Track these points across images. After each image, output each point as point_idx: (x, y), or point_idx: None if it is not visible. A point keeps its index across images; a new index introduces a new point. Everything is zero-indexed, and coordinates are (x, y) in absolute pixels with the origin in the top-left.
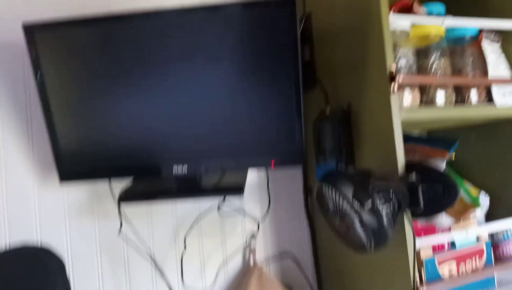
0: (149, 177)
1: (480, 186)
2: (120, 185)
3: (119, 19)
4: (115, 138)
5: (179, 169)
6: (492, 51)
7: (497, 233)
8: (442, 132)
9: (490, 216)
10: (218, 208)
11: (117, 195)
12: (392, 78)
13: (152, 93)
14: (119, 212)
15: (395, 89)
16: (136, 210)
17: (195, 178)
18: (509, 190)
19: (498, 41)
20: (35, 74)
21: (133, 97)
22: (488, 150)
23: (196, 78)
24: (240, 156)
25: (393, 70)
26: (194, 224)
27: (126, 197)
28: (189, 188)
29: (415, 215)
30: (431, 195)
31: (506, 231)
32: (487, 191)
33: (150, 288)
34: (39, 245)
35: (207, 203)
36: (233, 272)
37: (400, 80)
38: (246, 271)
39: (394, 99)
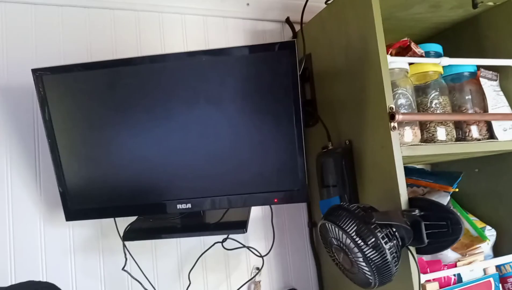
0: (153, 215)
1: (485, 220)
2: (126, 220)
3: (123, 62)
4: (120, 177)
5: (183, 208)
6: (490, 87)
7: (505, 267)
8: (445, 164)
9: (497, 249)
10: (222, 243)
11: (122, 231)
12: (392, 116)
13: (156, 134)
14: (124, 250)
15: (395, 127)
16: (141, 246)
17: (198, 216)
18: None
19: (495, 79)
20: (43, 115)
21: (138, 137)
22: (491, 184)
23: (199, 119)
24: (243, 194)
25: (393, 108)
26: (199, 259)
27: (130, 236)
28: (193, 225)
29: (419, 250)
30: (434, 231)
31: None
32: (492, 224)
33: None
34: (43, 281)
35: (211, 239)
36: None
37: (400, 118)
38: None
39: (394, 136)
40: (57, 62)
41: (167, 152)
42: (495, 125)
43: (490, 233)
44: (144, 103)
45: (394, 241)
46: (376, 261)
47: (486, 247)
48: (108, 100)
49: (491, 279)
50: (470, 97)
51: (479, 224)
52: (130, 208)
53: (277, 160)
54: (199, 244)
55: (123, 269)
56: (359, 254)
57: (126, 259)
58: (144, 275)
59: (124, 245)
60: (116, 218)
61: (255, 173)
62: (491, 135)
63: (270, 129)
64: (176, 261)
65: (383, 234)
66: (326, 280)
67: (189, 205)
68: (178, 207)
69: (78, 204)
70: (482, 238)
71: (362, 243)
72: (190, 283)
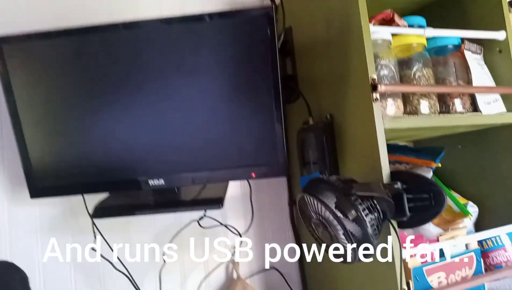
0: (124, 192)
1: (468, 196)
2: (96, 198)
3: (92, 30)
4: (88, 153)
5: (156, 183)
6: (474, 61)
7: (486, 242)
8: (428, 141)
9: (479, 225)
10: (199, 221)
11: (91, 210)
12: (374, 87)
13: (128, 106)
14: (93, 228)
15: (378, 98)
16: (112, 225)
17: (173, 192)
18: (497, 199)
19: (479, 53)
20: (3, 88)
21: (107, 110)
22: (474, 159)
23: (173, 91)
24: (219, 169)
25: (375, 79)
26: (174, 238)
27: (100, 213)
28: (167, 202)
29: (401, 224)
30: (417, 204)
31: (496, 239)
32: (474, 201)
33: None
34: (1, 260)
35: (187, 217)
36: (216, 287)
37: (382, 89)
38: (229, 285)
39: (376, 108)
40: (18, 30)
41: (138, 125)
42: (479, 98)
43: (473, 210)
44: (114, 74)
45: (375, 214)
46: (356, 234)
47: (468, 223)
48: (75, 71)
49: (473, 254)
50: (454, 70)
51: (462, 200)
52: (100, 185)
53: (255, 134)
54: (175, 223)
55: (92, 248)
56: (339, 227)
57: (95, 237)
58: (115, 255)
59: (93, 223)
60: (86, 196)
61: (232, 147)
62: (475, 109)
63: (248, 101)
64: (150, 241)
65: (363, 206)
66: (307, 259)
67: (162, 181)
68: (150, 184)
69: (44, 180)
70: (464, 214)
71: (342, 216)
72: (165, 263)
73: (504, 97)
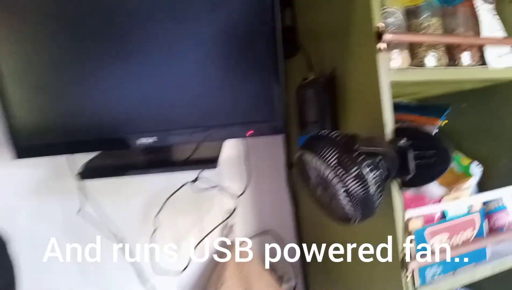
0: (114, 150)
1: (472, 156)
2: (83, 158)
3: None
4: (75, 109)
5: (146, 142)
6: (485, 11)
7: (490, 204)
8: (432, 99)
9: (483, 186)
10: (193, 183)
11: (78, 171)
12: (380, 35)
13: (115, 57)
14: (80, 189)
15: (383, 48)
16: (101, 187)
17: (165, 151)
18: (501, 159)
19: (492, 2)
20: None
21: (95, 62)
22: (479, 119)
23: (163, 40)
24: (213, 127)
25: (380, 27)
26: (167, 201)
27: (87, 174)
28: (159, 162)
29: (404, 183)
30: (421, 161)
31: (499, 201)
32: (479, 161)
33: (118, 272)
34: None
35: (181, 179)
36: (211, 252)
37: (388, 38)
38: (224, 251)
39: (381, 58)
40: None
41: (128, 79)
42: (489, 51)
43: (477, 169)
44: (100, 22)
45: (379, 171)
46: (358, 193)
47: (472, 183)
48: (58, 20)
49: (476, 215)
50: (463, 21)
51: (466, 160)
52: (87, 143)
53: (251, 89)
54: (167, 186)
55: (79, 211)
56: (340, 186)
57: (82, 201)
58: (104, 219)
59: (80, 185)
60: (73, 156)
61: (227, 102)
62: (484, 64)
63: (245, 53)
64: (141, 204)
65: (367, 162)
66: (304, 223)
67: (153, 139)
68: (141, 141)
69: (28, 139)
70: (467, 175)
71: (343, 173)
72: (157, 228)
73: None
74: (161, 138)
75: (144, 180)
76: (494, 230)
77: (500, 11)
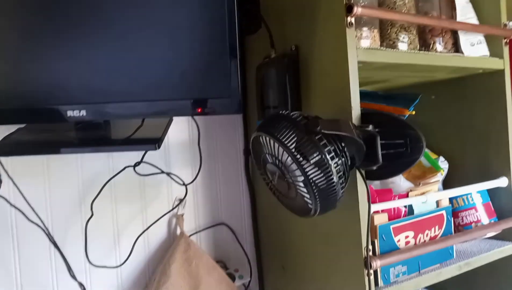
0: (39, 123)
1: (437, 151)
2: (3, 133)
3: None
4: None
5: (77, 115)
6: None
7: (457, 200)
8: (399, 90)
9: (447, 183)
10: (134, 167)
11: None
12: (349, 8)
13: (42, 14)
14: None
15: (352, 23)
16: (27, 167)
17: (100, 129)
18: (469, 155)
19: None
20: None
21: (16, 23)
22: (448, 112)
23: (107, 1)
24: (158, 100)
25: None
26: (105, 186)
27: (6, 150)
28: (92, 139)
29: (369, 175)
30: (389, 151)
31: (467, 197)
32: (445, 156)
33: (46, 264)
34: None
35: (121, 162)
36: (155, 245)
37: (358, 12)
38: (171, 243)
39: (350, 35)
40: None
41: (56, 40)
42: (463, 39)
43: (444, 166)
44: None
45: (343, 159)
46: (319, 182)
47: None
48: None
49: (444, 212)
50: (438, 4)
51: (432, 155)
52: (5, 114)
53: (202, 60)
54: (107, 169)
55: None
56: (298, 173)
57: (0, 181)
58: (27, 202)
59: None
60: None
61: (174, 73)
62: (457, 50)
63: (197, 19)
64: (75, 188)
65: (329, 148)
66: (261, 215)
67: (83, 112)
68: (69, 115)
69: None
70: (435, 169)
71: (302, 159)
72: (92, 215)
73: (488, 41)
74: (93, 111)
75: (79, 164)
76: (460, 229)
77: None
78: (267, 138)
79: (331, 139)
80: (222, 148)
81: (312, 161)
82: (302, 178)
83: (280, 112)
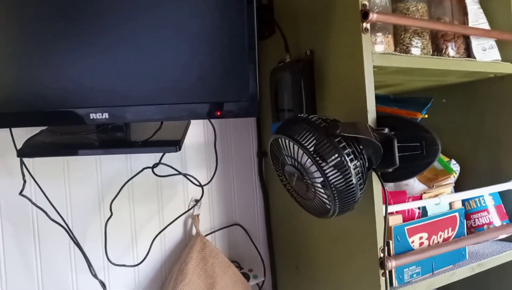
0: (62, 126)
1: (449, 154)
2: (26, 134)
3: None
4: (16, 76)
5: (99, 117)
6: (472, 2)
7: (469, 203)
8: (409, 95)
9: (459, 185)
10: (153, 169)
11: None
12: (365, 14)
13: (68, 24)
14: (22, 169)
15: (368, 28)
16: (49, 168)
17: (121, 130)
18: (479, 158)
19: None
20: None
21: (45, 30)
22: (459, 115)
23: (126, 7)
24: (177, 104)
25: (366, 5)
26: (124, 187)
27: (29, 151)
28: (113, 141)
29: (385, 177)
30: (405, 153)
31: (480, 200)
32: (456, 159)
33: (67, 262)
34: None
35: (139, 163)
36: (171, 244)
37: (374, 18)
38: (187, 243)
39: (366, 40)
40: None
41: (80, 46)
42: (474, 44)
43: (455, 168)
44: None
45: (361, 161)
46: (337, 183)
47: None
48: None
49: (457, 214)
50: (450, 10)
51: (444, 158)
52: (30, 116)
53: (221, 64)
54: (125, 170)
55: (20, 193)
56: (317, 174)
57: (24, 181)
58: (49, 201)
59: (22, 163)
60: (15, 131)
61: (193, 78)
62: (469, 55)
63: (216, 25)
64: (95, 189)
65: (348, 151)
66: (275, 216)
67: (106, 115)
68: (91, 117)
69: None
70: (448, 171)
71: (322, 161)
72: (111, 215)
73: (500, 46)
74: (115, 114)
75: (98, 162)
76: (473, 231)
77: (483, 5)
78: (287, 141)
79: (349, 141)
80: (236, 150)
81: (331, 163)
82: (321, 179)
83: (299, 115)
